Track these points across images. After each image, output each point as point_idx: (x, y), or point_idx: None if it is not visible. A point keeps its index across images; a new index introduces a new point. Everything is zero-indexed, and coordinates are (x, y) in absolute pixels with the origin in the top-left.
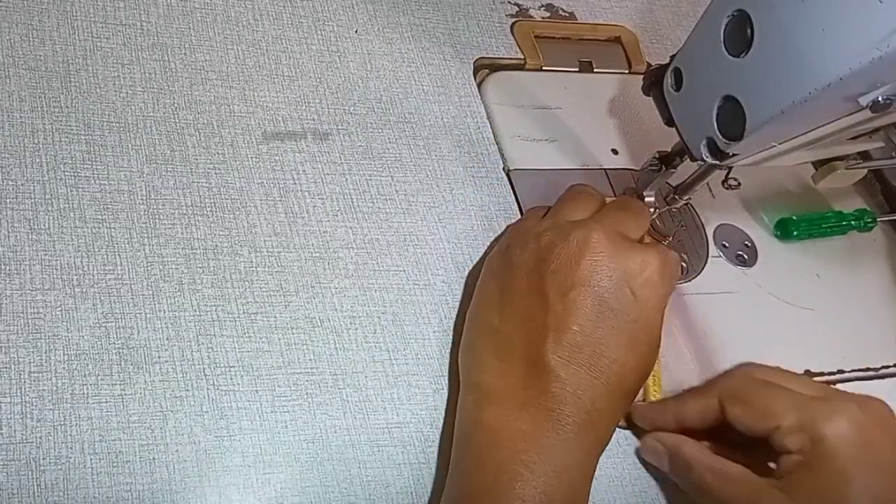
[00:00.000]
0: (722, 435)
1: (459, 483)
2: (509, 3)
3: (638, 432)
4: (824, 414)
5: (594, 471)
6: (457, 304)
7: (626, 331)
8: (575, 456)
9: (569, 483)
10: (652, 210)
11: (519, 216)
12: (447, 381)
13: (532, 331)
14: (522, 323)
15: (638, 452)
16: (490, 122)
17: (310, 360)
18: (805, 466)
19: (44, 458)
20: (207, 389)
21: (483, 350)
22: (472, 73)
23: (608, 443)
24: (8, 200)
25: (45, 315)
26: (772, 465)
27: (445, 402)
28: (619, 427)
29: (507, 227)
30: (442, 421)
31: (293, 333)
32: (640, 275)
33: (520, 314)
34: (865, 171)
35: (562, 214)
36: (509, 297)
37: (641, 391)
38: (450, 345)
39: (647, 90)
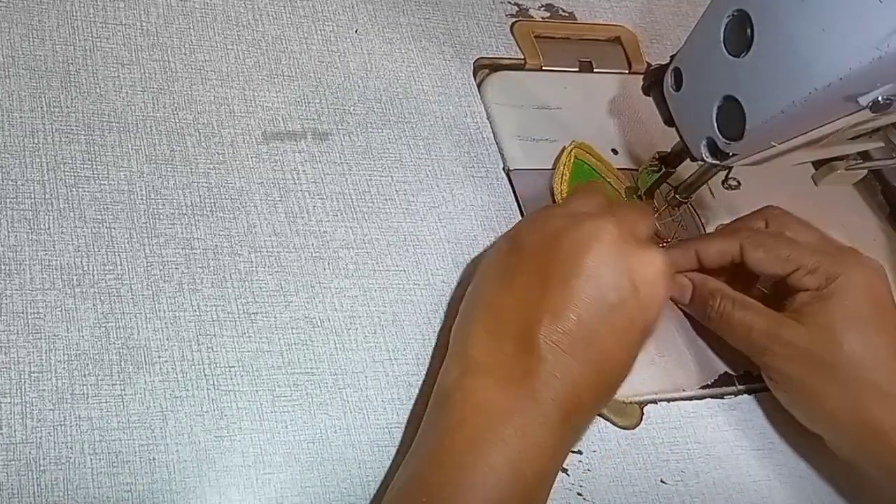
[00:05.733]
0: (739, 287)
1: (431, 442)
2: (509, 3)
3: (636, 432)
4: (840, 259)
5: (565, 458)
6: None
7: (622, 327)
8: (550, 439)
9: (539, 464)
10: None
11: (519, 216)
12: None
13: (528, 311)
14: (520, 302)
15: (638, 451)
16: (490, 122)
17: (310, 360)
18: (819, 299)
19: (44, 459)
20: (207, 389)
21: (476, 322)
22: (472, 73)
23: (584, 433)
24: (8, 200)
25: (45, 315)
26: None
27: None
28: (620, 427)
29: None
30: None
31: (293, 333)
32: (643, 274)
33: (518, 293)
34: (865, 171)
35: (573, 206)
36: (510, 277)
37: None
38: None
39: (647, 90)
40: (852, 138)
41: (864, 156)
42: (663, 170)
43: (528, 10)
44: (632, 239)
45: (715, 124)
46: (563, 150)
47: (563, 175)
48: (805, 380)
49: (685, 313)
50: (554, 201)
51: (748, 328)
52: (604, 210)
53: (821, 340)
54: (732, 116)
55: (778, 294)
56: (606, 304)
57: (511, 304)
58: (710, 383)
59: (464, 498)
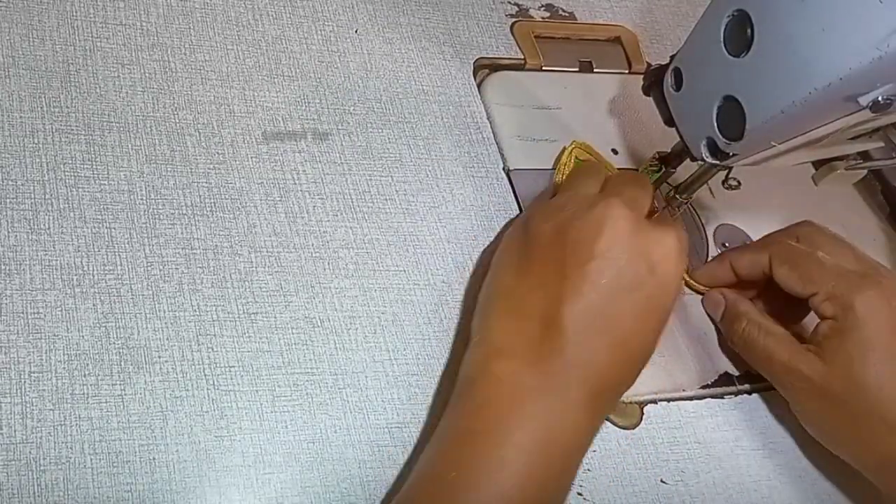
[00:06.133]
0: (773, 300)
1: (458, 423)
2: (509, 3)
3: (636, 432)
4: (857, 286)
5: (593, 438)
6: (457, 305)
7: (641, 305)
8: (577, 418)
9: (567, 442)
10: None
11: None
12: (447, 382)
13: (548, 295)
14: (539, 287)
15: (638, 451)
16: (490, 122)
17: (310, 360)
18: (837, 332)
19: (44, 459)
20: (207, 389)
21: (497, 310)
22: (472, 73)
23: (612, 411)
24: (8, 200)
25: (45, 315)
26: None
27: (445, 402)
28: (619, 427)
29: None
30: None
31: (293, 333)
32: (658, 251)
33: (536, 279)
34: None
35: (576, 188)
36: (527, 263)
37: None
38: (450, 344)
39: (647, 90)
40: (852, 138)
41: (864, 156)
42: (663, 170)
43: (528, 10)
44: (640, 216)
45: (715, 124)
46: (563, 150)
47: (564, 175)
48: (822, 413)
49: (686, 315)
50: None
51: (769, 357)
52: (608, 190)
53: (838, 377)
54: (732, 116)
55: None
56: (625, 283)
57: (530, 288)
58: (710, 383)
59: (493, 474)
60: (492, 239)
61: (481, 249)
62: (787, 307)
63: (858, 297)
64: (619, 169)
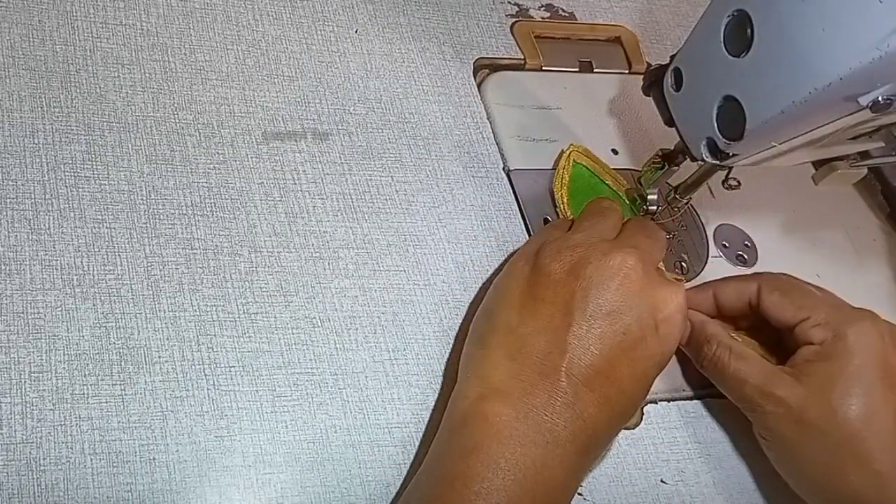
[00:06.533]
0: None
1: (446, 465)
2: (509, 3)
3: (636, 432)
4: (853, 317)
5: (577, 488)
6: (457, 304)
7: (641, 363)
8: (566, 472)
9: (554, 495)
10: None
11: (519, 216)
12: (447, 382)
13: (551, 342)
14: (542, 331)
15: (638, 451)
16: (490, 122)
17: (310, 360)
18: (822, 357)
19: (44, 459)
20: (207, 389)
21: (496, 347)
22: (472, 73)
23: (598, 457)
24: (8, 200)
25: (45, 315)
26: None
27: (445, 402)
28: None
29: (521, 247)
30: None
31: (293, 333)
32: (664, 311)
33: (541, 322)
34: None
35: (592, 230)
36: (532, 303)
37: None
38: (450, 344)
39: (647, 90)
40: (852, 138)
41: (864, 156)
42: (666, 166)
43: (528, 11)
44: (652, 271)
45: (715, 124)
46: (561, 154)
47: (562, 180)
48: (794, 440)
49: None
50: (555, 206)
51: (742, 381)
52: (624, 238)
53: (816, 402)
54: (732, 116)
55: (784, 347)
56: (628, 341)
57: (533, 332)
58: (710, 383)
59: None
60: (492, 239)
61: (481, 249)
62: (764, 343)
63: (853, 328)
64: (619, 169)
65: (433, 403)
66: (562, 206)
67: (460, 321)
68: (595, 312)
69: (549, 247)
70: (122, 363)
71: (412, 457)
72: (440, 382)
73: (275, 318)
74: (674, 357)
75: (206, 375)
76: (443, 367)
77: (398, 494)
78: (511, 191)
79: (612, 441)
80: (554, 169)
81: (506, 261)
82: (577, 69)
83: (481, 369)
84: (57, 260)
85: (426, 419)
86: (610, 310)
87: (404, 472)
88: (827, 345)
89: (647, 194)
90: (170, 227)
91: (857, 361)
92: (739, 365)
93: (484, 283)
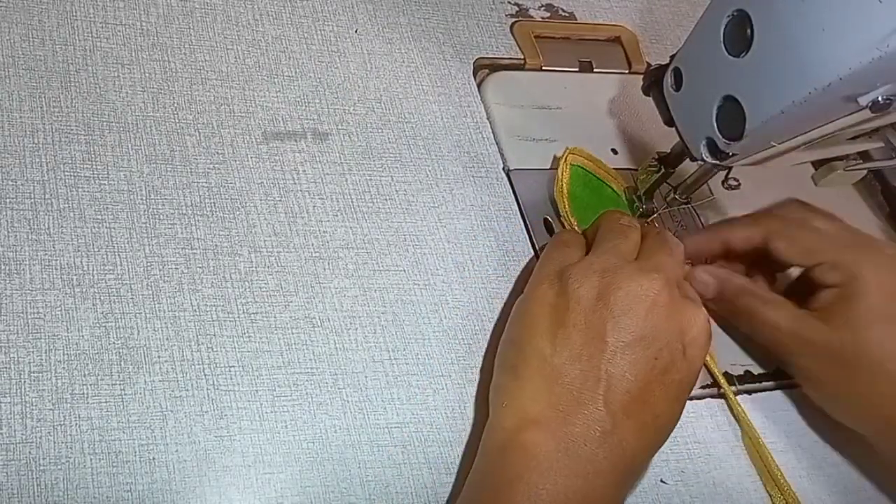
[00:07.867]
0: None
1: (485, 496)
2: (509, 3)
3: None
4: (863, 254)
5: None
6: (457, 304)
7: (673, 387)
8: (605, 497)
9: None
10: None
11: (519, 216)
12: (447, 382)
13: (586, 371)
14: (576, 359)
15: None
16: (490, 122)
17: (310, 360)
18: (843, 298)
19: (44, 458)
20: (207, 389)
21: (530, 378)
22: (471, 73)
23: (635, 483)
24: (8, 200)
25: (45, 315)
26: None
27: (445, 402)
28: None
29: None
30: (442, 421)
31: (293, 333)
32: (690, 333)
33: (574, 350)
34: (865, 171)
35: (615, 252)
36: (564, 331)
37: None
38: (451, 345)
39: (647, 90)
40: (852, 138)
41: (864, 156)
42: (662, 170)
43: (528, 10)
44: (678, 293)
45: (715, 124)
46: (558, 159)
47: (562, 188)
48: (831, 378)
49: None
50: (556, 211)
51: (774, 327)
52: (646, 260)
53: (845, 340)
54: (732, 116)
55: (801, 285)
56: (660, 366)
57: (570, 359)
58: (709, 383)
59: None
60: (492, 239)
61: (481, 249)
62: (773, 279)
63: (865, 266)
64: (619, 169)
65: (433, 403)
66: (565, 213)
67: (460, 321)
68: (627, 339)
69: (573, 271)
70: (122, 363)
71: (412, 457)
72: (440, 382)
73: (274, 317)
74: None
75: (205, 375)
76: (442, 367)
77: (402, 498)
78: (511, 191)
79: (648, 467)
80: (554, 169)
81: (518, 278)
82: (577, 69)
83: (517, 400)
84: (56, 260)
85: (426, 419)
86: (641, 335)
87: (404, 472)
88: (844, 286)
89: (645, 199)
90: (169, 226)
91: (876, 296)
92: (771, 311)
93: (484, 284)
